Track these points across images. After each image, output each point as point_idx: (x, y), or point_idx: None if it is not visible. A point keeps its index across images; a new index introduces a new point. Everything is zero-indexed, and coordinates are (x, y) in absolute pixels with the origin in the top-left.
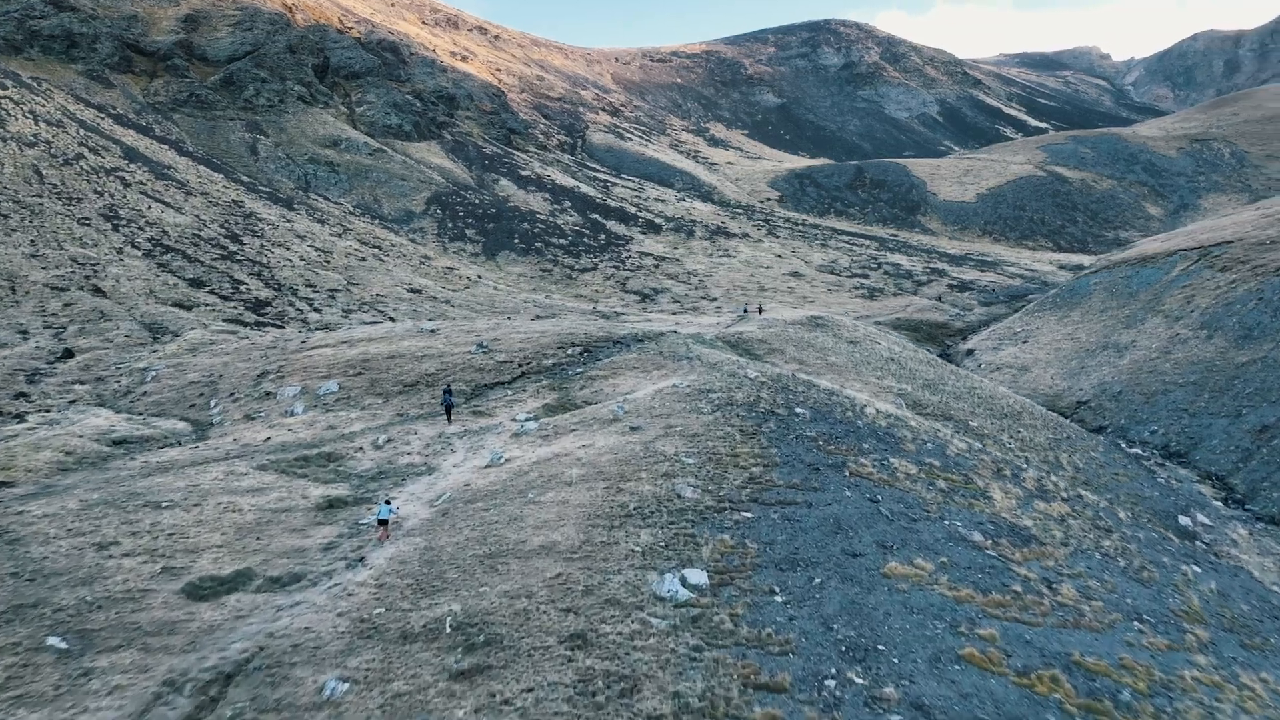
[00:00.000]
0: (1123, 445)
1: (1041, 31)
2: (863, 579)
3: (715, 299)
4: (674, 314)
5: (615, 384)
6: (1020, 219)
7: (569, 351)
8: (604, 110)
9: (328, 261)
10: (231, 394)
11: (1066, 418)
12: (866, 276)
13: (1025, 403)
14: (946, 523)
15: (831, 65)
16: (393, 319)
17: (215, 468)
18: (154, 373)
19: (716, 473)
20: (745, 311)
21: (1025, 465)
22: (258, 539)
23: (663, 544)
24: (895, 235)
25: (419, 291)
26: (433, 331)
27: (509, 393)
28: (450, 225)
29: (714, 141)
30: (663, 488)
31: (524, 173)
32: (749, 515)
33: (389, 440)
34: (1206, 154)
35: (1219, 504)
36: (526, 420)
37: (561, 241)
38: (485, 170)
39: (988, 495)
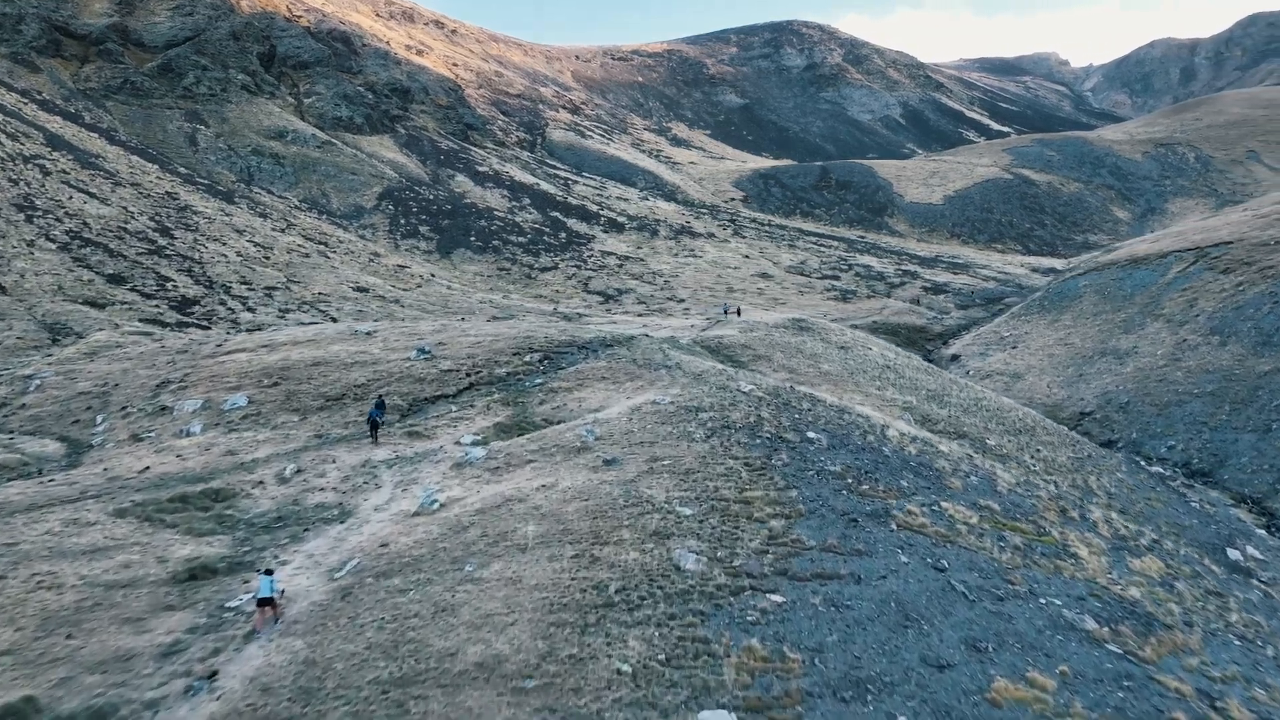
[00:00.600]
0: (1142, 463)
1: (999, 37)
2: (966, 715)
3: (682, 300)
4: (640, 316)
5: (581, 398)
6: (988, 221)
7: (526, 358)
8: (564, 108)
9: (267, 258)
10: (124, 408)
11: (1071, 430)
12: (838, 278)
13: (1036, 416)
14: (1042, 601)
15: (794, 66)
16: (334, 319)
17: (56, 514)
18: (38, 381)
19: (725, 530)
20: (725, 313)
21: (1083, 499)
22: (69, 637)
23: (662, 658)
24: (863, 237)
25: (366, 290)
26: (369, 334)
27: (453, 408)
28: (403, 221)
29: (676, 141)
30: (654, 556)
31: (481, 169)
32: (779, 599)
33: (299, 471)
34: (1171, 158)
35: (1263, 532)
36: (473, 444)
37: (520, 240)
38: (440, 165)
39: (1071, 552)
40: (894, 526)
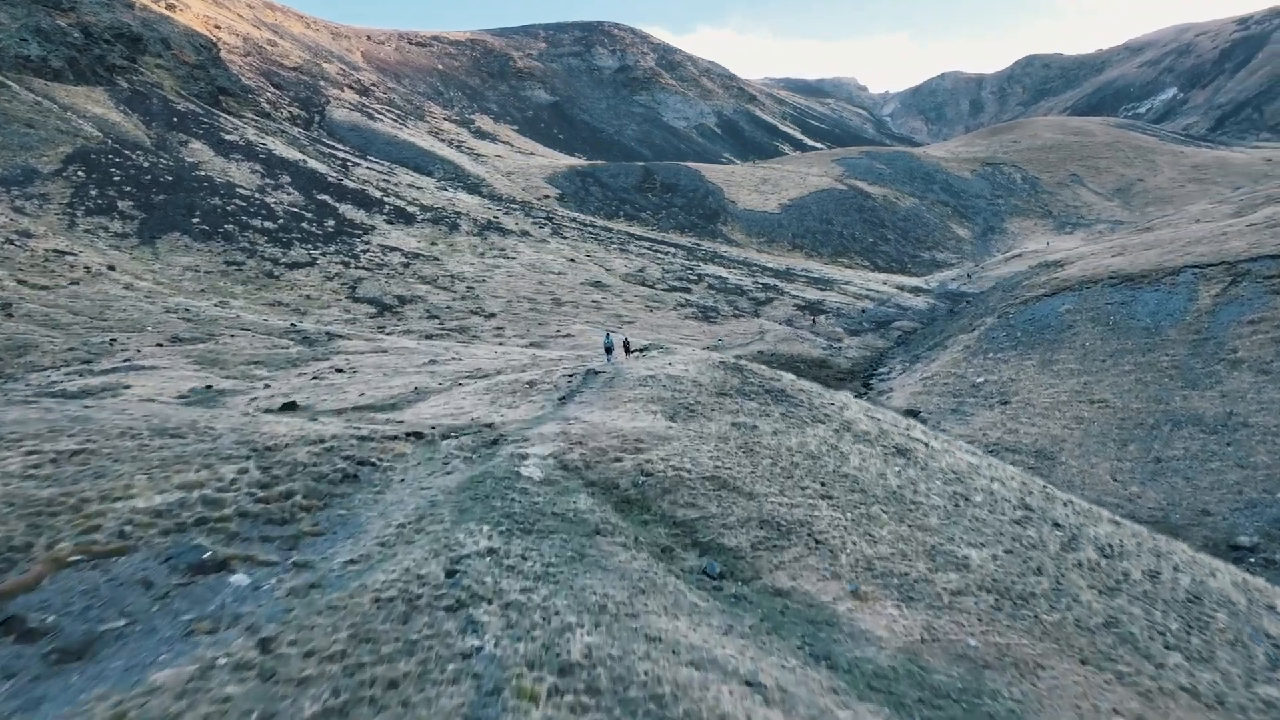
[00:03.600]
0: None
1: (798, 61)
2: None
3: (492, 314)
4: (430, 339)
5: None
6: (829, 233)
7: None
8: (351, 87)
9: None
10: None
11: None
12: (689, 290)
13: None
14: None
15: (606, 67)
16: None
17: None
18: None
19: None
20: (608, 351)
21: None
22: None
23: None
24: (699, 244)
25: None
26: None
27: None
28: (95, 193)
29: (480, 134)
30: None
31: (230, 138)
32: None
33: None
34: (999, 178)
35: None
36: None
37: (268, 225)
38: (172, 129)
39: None
40: None
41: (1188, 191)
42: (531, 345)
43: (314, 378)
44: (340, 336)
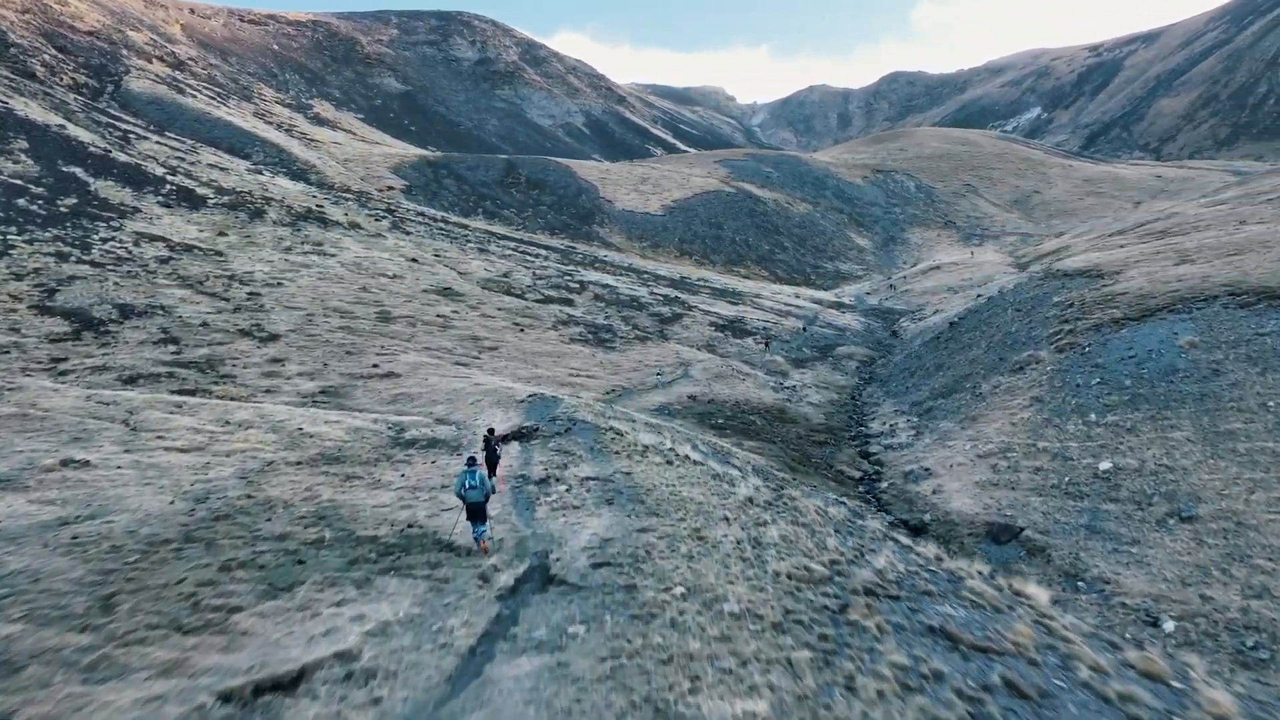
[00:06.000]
0: None
1: (656, 69)
2: None
3: (275, 337)
4: (130, 382)
5: None
6: (721, 239)
7: None
8: (162, 60)
9: None
10: None
11: None
12: (571, 303)
13: None
14: None
15: (466, 59)
16: None
17: None
18: None
19: None
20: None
21: None
22: None
23: None
24: (574, 247)
25: None
26: None
27: None
28: None
29: (319, 121)
30: None
31: None
32: None
33: None
34: (893, 185)
35: None
36: None
37: None
38: None
39: None
40: None
41: (1089, 204)
42: (320, 396)
43: None
44: None
